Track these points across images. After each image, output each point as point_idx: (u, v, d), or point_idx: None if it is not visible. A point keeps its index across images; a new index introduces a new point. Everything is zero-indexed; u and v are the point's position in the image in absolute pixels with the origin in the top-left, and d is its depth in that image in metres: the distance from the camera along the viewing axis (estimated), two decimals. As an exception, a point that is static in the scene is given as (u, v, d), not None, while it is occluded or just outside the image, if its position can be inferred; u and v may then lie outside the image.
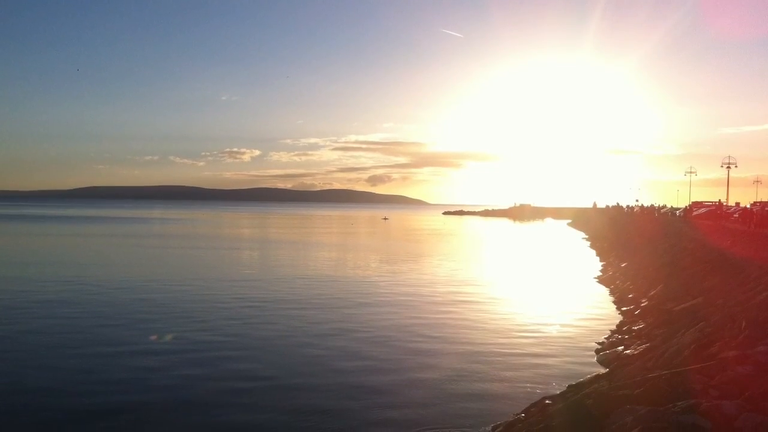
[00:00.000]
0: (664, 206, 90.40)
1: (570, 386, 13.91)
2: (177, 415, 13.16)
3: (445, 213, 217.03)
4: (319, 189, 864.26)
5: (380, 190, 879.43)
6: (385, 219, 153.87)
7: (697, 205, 64.50)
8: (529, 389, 14.89)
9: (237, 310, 25.20)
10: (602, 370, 15.81)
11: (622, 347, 17.89)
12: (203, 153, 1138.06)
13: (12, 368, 16.47)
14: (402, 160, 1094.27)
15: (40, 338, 19.79)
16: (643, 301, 24.51)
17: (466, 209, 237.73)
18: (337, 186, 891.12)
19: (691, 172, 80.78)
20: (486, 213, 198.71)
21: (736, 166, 64.43)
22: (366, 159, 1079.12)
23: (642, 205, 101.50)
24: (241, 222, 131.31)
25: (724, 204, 58.29)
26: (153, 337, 19.96)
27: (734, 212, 49.26)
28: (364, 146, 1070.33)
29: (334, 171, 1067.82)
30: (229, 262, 45.33)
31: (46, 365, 16.77)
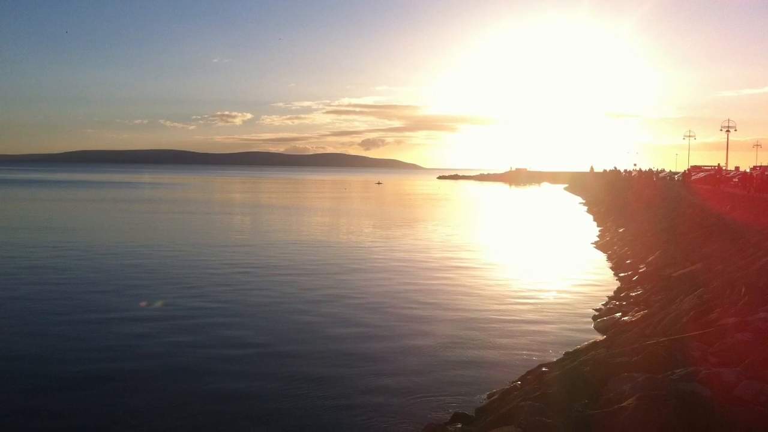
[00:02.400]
0: (663, 170, 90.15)
1: (567, 353, 13.73)
2: (167, 383, 12.91)
3: (440, 177, 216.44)
4: (311, 153, 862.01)
5: (374, 154, 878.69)
6: (379, 184, 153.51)
7: (696, 169, 64.17)
8: (525, 356, 14.72)
9: (228, 276, 24.90)
10: (599, 337, 15.65)
11: (620, 314, 17.73)
12: (194, 116, 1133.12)
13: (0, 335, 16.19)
14: (396, 123, 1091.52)
15: (29, 304, 19.44)
16: (641, 266, 24.31)
17: (461, 174, 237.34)
18: (330, 150, 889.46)
19: (689, 136, 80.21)
20: (481, 177, 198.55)
21: (735, 130, 63.90)
22: (359, 122, 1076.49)
23: (640, 169, 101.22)
24: (233, 187, 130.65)
25: (724, 168, 57.96)
26: (143, 304, 19.68)
27: (734, 176, 48.97)
28: (357, 109, 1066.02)
29: (327, 135, 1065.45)
30: (220, 228, 44.96)
31: (35, 332, 16.46)
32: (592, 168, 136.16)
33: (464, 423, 10.30)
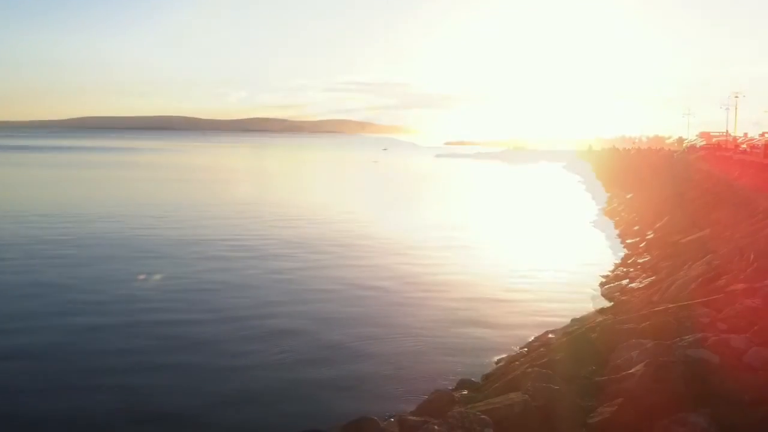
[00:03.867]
0: (670, 137, 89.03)
1: (574, 320, 13.65)
2: (161, 363, 12.55)
3: (437, 155, 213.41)
4: (307, 131, 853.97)
5: (370, 131, 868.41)
6: (375, 162, 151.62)
7: (706, 136, 63.45)
8: (531, 323, 14.62)
9: (224, 258, 23.46)
10: (607, 304, 15.55)
11: (627, 280, 17.66)
12: (189, 95, 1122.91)
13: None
14: (392, 101, 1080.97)
15: (18, 278, 19.06)
16: (649, 233, 24.16)
17: (458, 152, 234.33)
18: (325, 128, 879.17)
19: (688, 114, 79.34)
20: (479, 155, 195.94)
21: (738, 98, 63.00)
22: (355, 100, 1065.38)
23: (639, 147, 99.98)
24: (229, 162, 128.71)
25: (732, 136, 57.16)
26: (141, 277, 19.15)
27: (742, 143, 48.27)
28: (353, 87, 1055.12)
29: (323, 112, 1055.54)
30: (215, 205, 43.61)
31: (26, 311, 15.95)
32: (590, 147, 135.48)
33: (470, 389, 10.30)
